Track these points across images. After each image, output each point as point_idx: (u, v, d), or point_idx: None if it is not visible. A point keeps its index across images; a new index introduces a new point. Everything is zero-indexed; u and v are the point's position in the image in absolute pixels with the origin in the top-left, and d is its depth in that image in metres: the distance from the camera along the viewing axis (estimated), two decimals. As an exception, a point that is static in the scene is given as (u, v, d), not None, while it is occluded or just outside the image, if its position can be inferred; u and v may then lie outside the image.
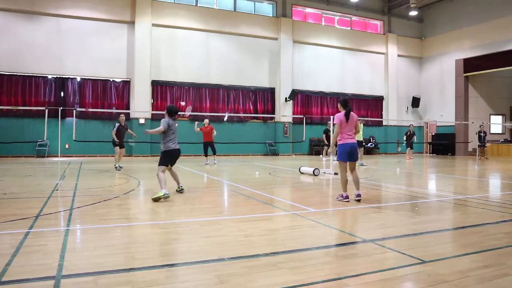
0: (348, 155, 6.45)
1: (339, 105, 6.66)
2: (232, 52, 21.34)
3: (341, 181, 6.59)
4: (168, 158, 7.11)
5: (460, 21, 23.88)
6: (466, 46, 23.49)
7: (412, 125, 19.42)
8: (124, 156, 12.85)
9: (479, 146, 19.25)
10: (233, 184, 8.85)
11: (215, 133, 14.70)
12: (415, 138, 19.08)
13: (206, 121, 14.83)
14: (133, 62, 19.12)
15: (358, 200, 6.42)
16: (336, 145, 6.77)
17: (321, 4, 23.55)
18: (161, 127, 6.97)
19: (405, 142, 19.12)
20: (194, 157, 18.79)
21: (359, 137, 14.56)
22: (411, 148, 18.96)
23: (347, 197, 6.45)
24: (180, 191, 7.37)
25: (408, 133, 18.85)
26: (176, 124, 7.28)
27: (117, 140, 11.66)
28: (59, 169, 10.22)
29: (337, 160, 6.65)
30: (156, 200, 6.38)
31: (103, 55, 18.85)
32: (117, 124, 11.75)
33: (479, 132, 19.85)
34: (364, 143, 15.59)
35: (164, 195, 6.48)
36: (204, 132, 14.65)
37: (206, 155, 14.87)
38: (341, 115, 6.49)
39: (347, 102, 6.57)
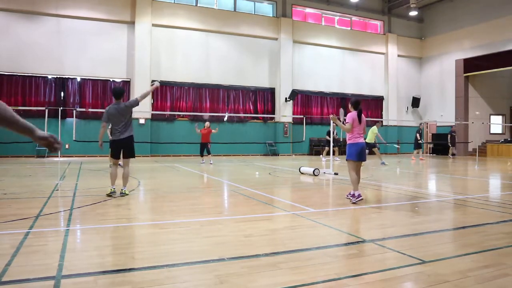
0: (359, 155, 6.48)
1: (350, 106, 6.74)
2: (232, 52, 21.34)
3: (351, 181, 6.52)
4: (112, 149, 6.93)
5: (460, 21, 23.88)
6: (466, 46, 23.49)
7: (422, 124, 19.32)
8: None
9: (449, 146, 20.18)
10: (233, 184, 8.85)
11: (214, 131, 15.32)
12: (418, 137, 18.94)
13: (207, 123, 15.43)
14: (133, 62, 19.12)
15: (350, 199, 6.43)
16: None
17: (321, 4, 23.55)
18: (102, 123, 6.84)
19: (420, 141, 18.74)
20: (195, 157, 18.78)
21: (371, 139, 14.57)
22: (420, 148, 18.75)
23: (359, 195, 6.32)
24: (121, 194, 6.76)
25: (421, 132, 18.61)
26: (120, 109, 6.73)
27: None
28: (59, 169, 10.21)
29: (346, 159, 6.63)
30: (108, 195, 6.67)
31: (103, 55, 18.85)
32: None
33: (451, 132, 20.17)
34: (376, 143, 15.53)
35: (110, 191, 6.68)
36: (203, 134, 15.25)
37: (202, 155, 15.61)
38: (354, 114, 6.54)
39: (358, 103, 6.64)
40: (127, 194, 6.85)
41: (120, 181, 7.04)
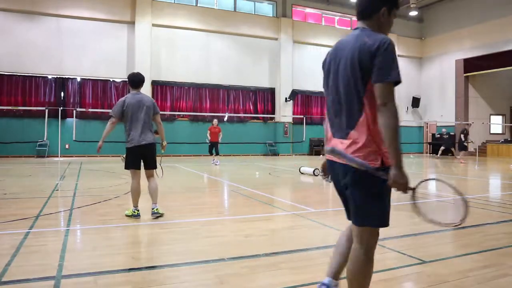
0: None
1: None
2: (232, 52, 21.33)
3: None
4: (132, 158, 5.09)
5: (460, 21, 23.87)
6: (466, 46, 23.48)
7: (469, 124, 17.72)
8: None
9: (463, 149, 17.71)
10: (233, 184, 8.85)
11: (221, 135, 14.86)
12: (463, 138, 17.22)
13: (215, 121, 15.14)
14: (133, 62, 19.11)
15: None
16: None
17: (321, 4, 23.54)
18: (112, 119, 5.03)
19: (469, 142, 17.26)
20: (195, 157, 18.78)
21: None
22: (464, 150, 17.38)
23: None
24: (153, 214, 5.08)
25: (465, 132, 17.17)
26: (145, 102, 5.11)
27: None
28: (59, 169, 10.22)
29: None
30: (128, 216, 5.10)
31: (103, 55, 18.84)
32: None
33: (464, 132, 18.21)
34: None
35: (132, 213, 5.03)
36: (212, 132, 14.73)
37: (211, 154, 15.01)
38: None
39: None
40: (162, 214, 5.15)
41: (145, 197, 5.46)
